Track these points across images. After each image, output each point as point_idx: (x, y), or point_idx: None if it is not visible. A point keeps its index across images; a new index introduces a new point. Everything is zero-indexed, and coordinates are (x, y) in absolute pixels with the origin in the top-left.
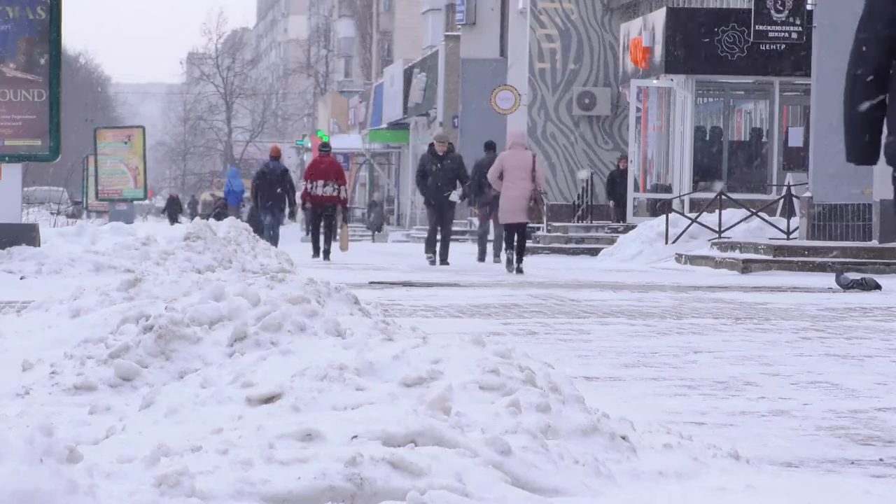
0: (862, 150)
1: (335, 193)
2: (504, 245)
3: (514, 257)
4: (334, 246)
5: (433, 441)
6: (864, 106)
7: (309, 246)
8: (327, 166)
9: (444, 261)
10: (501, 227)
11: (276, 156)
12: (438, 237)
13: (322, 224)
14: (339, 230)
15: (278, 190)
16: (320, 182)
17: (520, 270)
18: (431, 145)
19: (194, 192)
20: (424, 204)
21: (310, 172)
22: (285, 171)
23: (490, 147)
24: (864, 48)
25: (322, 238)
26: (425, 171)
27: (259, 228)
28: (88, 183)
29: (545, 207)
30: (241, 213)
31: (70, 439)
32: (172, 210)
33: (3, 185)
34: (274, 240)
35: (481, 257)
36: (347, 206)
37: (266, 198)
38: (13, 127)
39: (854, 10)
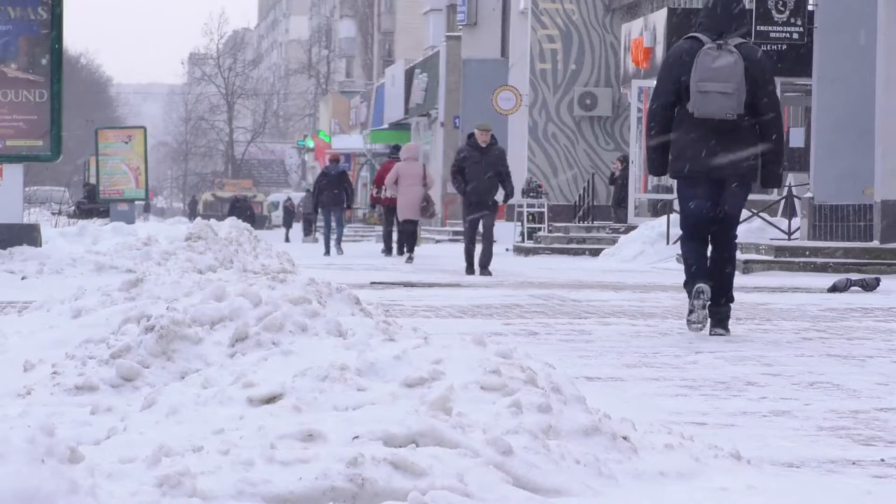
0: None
1: None
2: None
3: (408, 249)
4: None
5: (434, 441)
6: (656, 143)
7: (305, 246)
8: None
9: (484, 269)
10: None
11: (335, 160)
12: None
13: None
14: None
15: (336, 191)
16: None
17: (411, 259)
18: (471, 135)
19: (195, 192)
20: (463, 204)
21: (380, 179)
22: (344, 172)
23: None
24: (657, 109)
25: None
26: (463, 166)
27: (312, 227)
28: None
29: (434, 207)
30: None
31: (71, 439)
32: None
33: (4, 186)
34: (338, 238)
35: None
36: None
37: (328, 198)
38: (14, 127)
39: (855, 11)
